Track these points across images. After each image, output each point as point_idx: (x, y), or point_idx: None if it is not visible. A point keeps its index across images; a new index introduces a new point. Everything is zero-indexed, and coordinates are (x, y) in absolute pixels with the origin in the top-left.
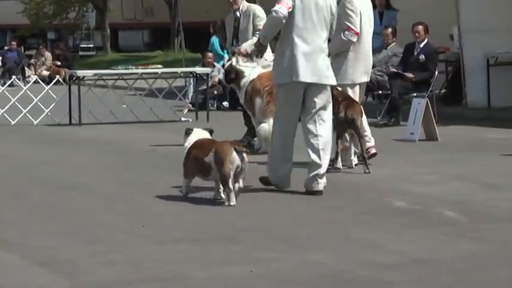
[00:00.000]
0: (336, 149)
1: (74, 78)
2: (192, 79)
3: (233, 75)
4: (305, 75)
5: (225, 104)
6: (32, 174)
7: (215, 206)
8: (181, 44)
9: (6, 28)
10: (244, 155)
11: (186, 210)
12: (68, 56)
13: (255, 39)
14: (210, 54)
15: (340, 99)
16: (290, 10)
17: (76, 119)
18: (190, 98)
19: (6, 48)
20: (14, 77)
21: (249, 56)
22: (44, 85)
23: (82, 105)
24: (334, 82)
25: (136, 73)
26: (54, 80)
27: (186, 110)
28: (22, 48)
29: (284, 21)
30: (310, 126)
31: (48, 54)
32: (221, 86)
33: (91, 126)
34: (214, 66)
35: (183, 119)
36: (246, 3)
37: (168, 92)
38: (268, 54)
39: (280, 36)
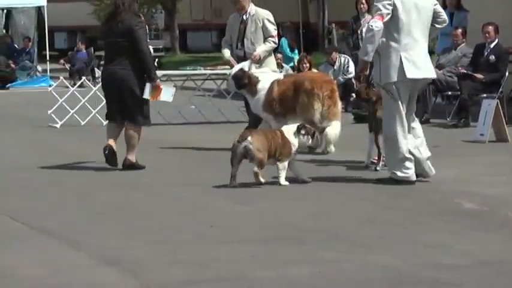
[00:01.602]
0: (378, 151)
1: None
2: None
3: (246, 80)
4: (415, 72)
5: None
6: (101, 175)
7: (281, 206)
8: None
9: (77, 29)
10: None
11: (252, 211)
12: None
13: (268, 45)
14: (279, 56)
15: (375, 98)
16: (386, 19)
17: None
18: None
19: (75, 49)
20: (83, 77)
21: (260, 62)
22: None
23: (151, 106)
24: (434, 75)
25: (205, 74)
26: None
27: None
28: (92, 49)
29: (381, 32)
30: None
31: None
32: None
33: (160, 127)
34: (282, 67)
35: None
36: (254, 7)
37: (236, 93)
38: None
39: (385, 37)
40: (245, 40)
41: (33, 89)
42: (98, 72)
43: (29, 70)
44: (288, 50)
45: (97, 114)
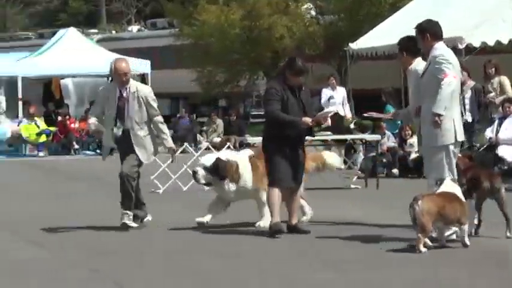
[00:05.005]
0: (478, 217)
1: (244, 145)
2: (361, 146)
3: (229, 168)
4: (462, 135)
5: (395, 171)
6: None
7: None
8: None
9: (179, 96)
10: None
11: None
12: (240, 124)
13: (167, 130)
14: (382, 124)
15: (466, 167)
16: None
17: None
18: (359, 165)
19: (178, 115)
20: (185, 143)
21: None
22: (215, 152)
23: None
24: None
25: (306, 140)
26: (225, 147)
27: (355, 176)
28: (194, 115)
29: None
30: None
31: (219, 122)
32: (390, 153)
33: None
34: (384, 133)
35: (352, 186)
36: (134, 83)
37: None
38: None
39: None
40: (128, 119)
41: None
42: (199, 138)
43: None
44: None
45: None
